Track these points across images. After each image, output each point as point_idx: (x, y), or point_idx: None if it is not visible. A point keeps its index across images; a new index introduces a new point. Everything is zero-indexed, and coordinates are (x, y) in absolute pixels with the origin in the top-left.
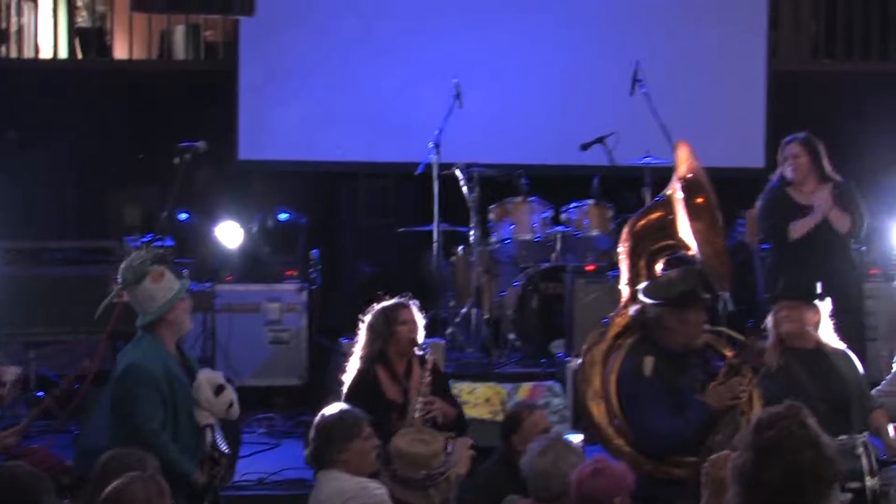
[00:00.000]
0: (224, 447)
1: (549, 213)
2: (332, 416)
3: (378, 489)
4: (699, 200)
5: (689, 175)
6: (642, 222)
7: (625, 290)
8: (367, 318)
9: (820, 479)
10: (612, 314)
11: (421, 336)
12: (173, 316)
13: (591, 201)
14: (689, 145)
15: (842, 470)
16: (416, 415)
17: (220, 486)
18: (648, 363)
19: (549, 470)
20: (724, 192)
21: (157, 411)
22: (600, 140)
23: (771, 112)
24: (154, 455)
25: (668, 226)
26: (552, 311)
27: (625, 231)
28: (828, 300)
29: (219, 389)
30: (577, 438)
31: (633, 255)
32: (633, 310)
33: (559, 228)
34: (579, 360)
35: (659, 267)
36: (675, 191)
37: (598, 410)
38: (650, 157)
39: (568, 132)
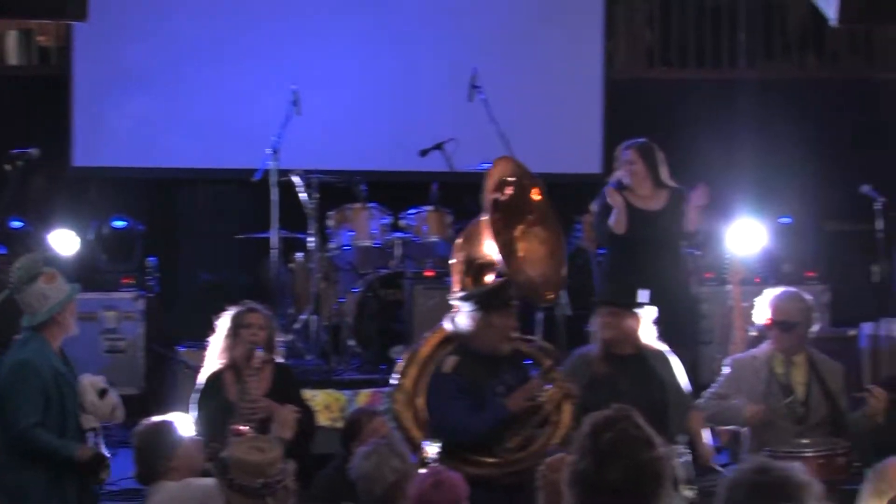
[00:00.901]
0: (106, 451)
1: (389, 220)
2: (146, 433)
3: (200, 481)
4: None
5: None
6: (472, 236)
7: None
8: (218, 322)
9: (658, 477)
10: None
11: (269, 341)
12: (63, 317)
13: (430, 207)
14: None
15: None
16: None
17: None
18: (450, 361)
19: (372, 474)
20: (561, 197)
21: (38, 408)
22: (439, 146)
23: (607, 119)
24: (34, 449)
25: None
26: (392, 317)
27: (456, 243)
28: (652, 306)
29: (102, 392)
30: (433, 449)
31: (465, 269)
32: (449, 317)
33: (398, 235)
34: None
35: (489, 278)
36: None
37: (405, 412)
38: (488, 163)
39: (407, 138)
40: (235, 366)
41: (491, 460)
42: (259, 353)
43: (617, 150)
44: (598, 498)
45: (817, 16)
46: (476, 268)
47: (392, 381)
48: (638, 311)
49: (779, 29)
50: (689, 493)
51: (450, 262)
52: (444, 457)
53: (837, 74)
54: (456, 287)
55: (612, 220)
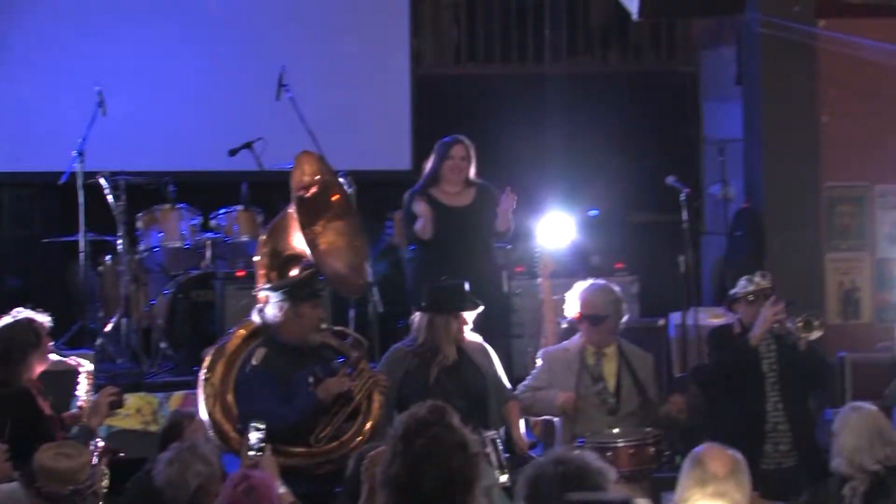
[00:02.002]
0: None
1: (198, 220)
2: None
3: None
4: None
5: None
6: (278, 230)
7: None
8: None
9: (469, 481)
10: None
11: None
12: None
13: (240, 207)
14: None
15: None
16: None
17: None
18: (259, 353)
19: (176, 480)
20: (372, 194)
21: None
22: (248, 145)
23: (416, 115)
24: None
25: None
26: (203, 319)
27: (261, 240)
28: (479, 305)
29: None
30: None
31: (270, 263)
32: (257, 308)
33: (208, 235)
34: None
35: (294, 272)
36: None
37: (216, 409)
38: None
39: (215, 138)
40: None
41: (304, 450)
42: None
43: (439, 144)
44: (410, 501)
45: (620, 11)
46: (282, 260)
47: (200, 378)
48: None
49: (582, 24)
50: (503, 478)
51: (254, 257)
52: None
53: (641, 68)
54: (261, 280)
55: (417, 227)
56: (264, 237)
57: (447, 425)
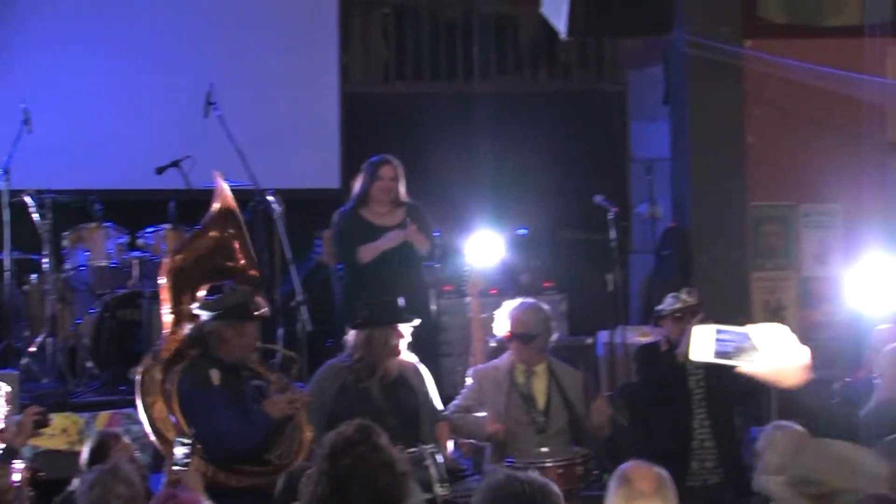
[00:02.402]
0: None
1: (125, 239)
2: None
3: None
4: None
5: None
6: (183, 254)
7: (168, 318)
8: None
9: (395, 500)
10: (162, 339)
11: None
12: None
13: (167, 226)
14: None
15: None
16: None
17: None
18: (215, 374)
19: (97, 503)
20: (301, 213)
21: None
22: (175, 164)
23: (345, 133)
24: None
25: (216, 252)
26: (130, 338)
27: (165, 264)
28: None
29: None
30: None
31: (177, 285)
32: (188, 328)
33: (135, 254)
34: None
35: (202, 293)
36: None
37: (167, 432)
38: (227, 180)
39: (142, 156)
40: None
41: (260, 469)
42: None
43: (368, 164)
44: None
45: (549, 30)
46: (197, 278)
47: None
48: (400, 326)
49: (511, 43)
50: (441, 490)
51: (164, 271)
52: (215, 469)
53: (569, 87)
54: (169, 303)
55: (364, 250)
56: (168, 262)
57: (374, 445)
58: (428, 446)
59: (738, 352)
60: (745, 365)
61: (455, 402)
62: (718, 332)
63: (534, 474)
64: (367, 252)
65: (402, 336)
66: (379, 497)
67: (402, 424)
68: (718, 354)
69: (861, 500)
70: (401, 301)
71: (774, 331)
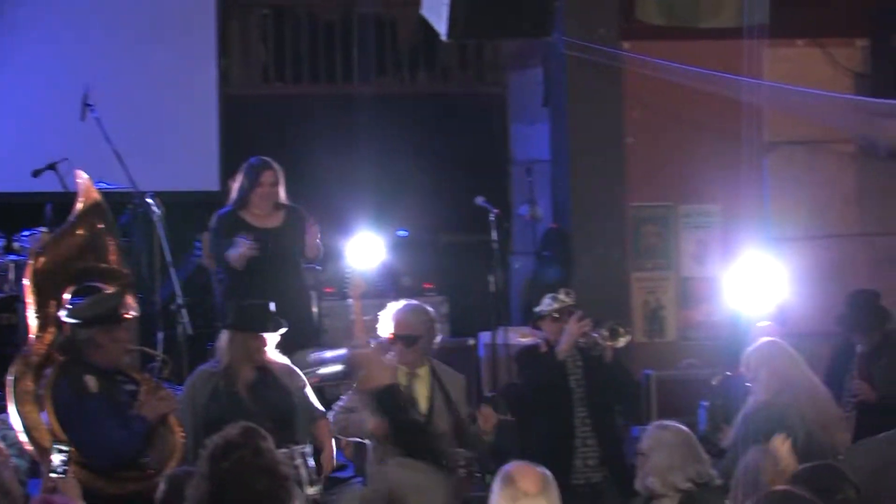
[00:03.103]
0: None
1: (2, 243)
2: None
3: None
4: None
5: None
6: (47, 256)
7: (34, 322)
8: None
9: (276, 502)
10: (29, 344)
11: None
12: None
13: (44, 229)
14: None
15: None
16: None
17: None
18: (91, 381)
19: None
20: (180, 215)
21: None
22: (52, 167)
23: (224, 136)
24: None
25: (86, 251)
26: (6, 342)
27: (28, 266)
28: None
29: None
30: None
31: (42, 287)
32: (55, 332)
33: (12, 257)
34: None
35: (67, 296)
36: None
37: (43, 438)
38: (103, 182)
39: (19, 159)
40: None
41: (137, 475)
42: None
43: (248, 167)
44: None
45: (429, 32)
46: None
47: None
48: (269, 333)
49: (391, 45)
50: (312, 490)
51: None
52: (93, 476)
53: (449, 89)
54: (34, 307)
55: (233, 257)
56: (32, 264)
57: (256, 448)
58: (299, 446)
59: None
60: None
61: (339, 403)
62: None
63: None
64: (234, 258)
65: (264, 343)
66: (258, 501)
67: (277, 426)
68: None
69: (766, 493)
70: (271, 306)
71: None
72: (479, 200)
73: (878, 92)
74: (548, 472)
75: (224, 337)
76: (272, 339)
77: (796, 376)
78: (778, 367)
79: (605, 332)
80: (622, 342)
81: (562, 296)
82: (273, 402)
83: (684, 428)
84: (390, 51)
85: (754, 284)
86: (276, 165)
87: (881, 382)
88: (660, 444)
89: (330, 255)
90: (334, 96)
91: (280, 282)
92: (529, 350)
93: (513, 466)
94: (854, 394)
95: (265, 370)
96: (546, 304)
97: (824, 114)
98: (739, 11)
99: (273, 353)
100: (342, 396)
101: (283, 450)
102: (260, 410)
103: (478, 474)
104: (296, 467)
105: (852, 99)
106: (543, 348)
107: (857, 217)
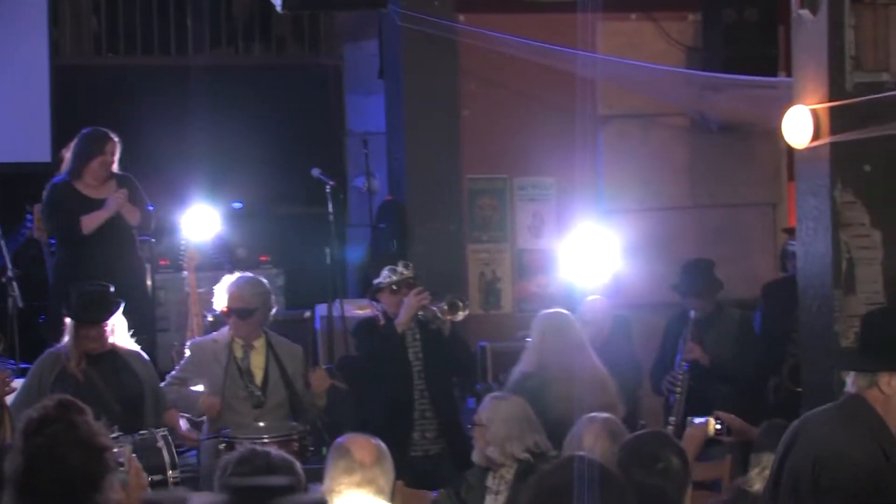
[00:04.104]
0: None
1: None
2: None
3: None
4: None
5: None
6: None
7: None
8: None
9: (93, 478)
10: None
11: None
12: None
13: None
14: None
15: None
16: None
17: None
18: None
19: None
20: (11, 187)
21: None
22: None
23: (55, 107)
24: None
25: None
26: None
27: None
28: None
29: None
30: None
31: None
32: None
33: None
34: None
35: None
36: None
37: None
38: None
39: None
40: None
41: None
42: None
43: (84, 137)
44: (30, 500)
45: (263, 2)
46: None
47: None
48: (109, 320)
49: (225, 16)
50: (174, 474)
51: None
52: None
53: (284, 61)
54: None
55: (86, 220)
56: None
57: (70, 422)
58: (159, 430)
59: None
60: None
61: (172, 373)
62: None
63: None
64: (89, 222)
65: (105, 328)
66: (72, 476)
67: (125, 410)
68: None
69: (559, 461)
70: (111, 288)
71: None
72: (315, 172)
73: (708, 66)
74: (382, 444)
75: (67, 322)
76: (120, 322)
77: (568, 352)
78: (549, 342)
79: (445, 306)
80: (461, 316)
81: (400, 268)
82: (123, 387)
83: (521, 399)
84: (225, 21)
85: (588, 256)
86: (115, 136)
87: (713, 354)
88: (498, 415)
89: (164, 228)
90: (168, 67)
91: (114, 254)
92: (367, 322)
93: (347, 438)
94: (686, 357)
95: (115, 355)
96: (384, 277)
97: (657, 87)
98: None
99: (124, 339)
100: (175, 367)
101: (143, 432)
102: (109, 394)
103: (311, 449)
104: (158, 449)
105: (684, 72)
106: (382, 321)
107: (689, 190)
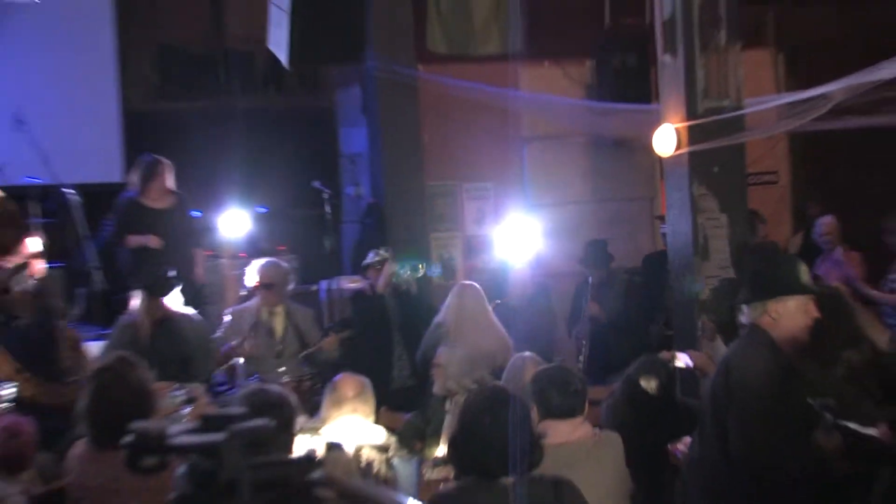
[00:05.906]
0: None
1: None
2: None
3: None
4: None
5: None
6: None
7: None
8: None
9: (141, 413)
10: None
11: None
12: None
13: None
14: None
15: None
16: None
17: None
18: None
19: None
20: (95, 201)
21: None
22: None
23: (125, 140)
24: None
25: None
26: None
27: None
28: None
29: None
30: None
31: None
32: None
33: None
34: None
35: None
36: None
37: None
38: (36, 178)
39: None
40: None
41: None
42: None
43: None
44: (93, 430)
45: (276, 60)
46: None
47: None
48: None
49: (252, 70)
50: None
51: None
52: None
53: (294, 103)
54: None
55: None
56: None
57: (121, 371)
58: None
59: None
60: None
61: (216, 334)
62: None
63: (272, 386)
64: (132, 241)
65: (161, 302)
66: (122, 408)
67: (181, 364)
68: None
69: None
70: (172, 272)
71: None
72: (316, 184)
73: (601, 98)
74: (366, 380)
75: (138, 296)
76: (174, 295)
77: (470, 312)
78: (452, 302)
79: (408, 270)
80: (420, 273)
81: (381, 251)
82: (176, 346)
83: (468, 346)
84: (251, 74)
85: (518, 239)
86: (165, 161)
87: (608, 309)
88: (452, 357)
89: (208, 228)
90: (210, 109)
91: (174, 249)
92: (359, 292)
93: (338, 377)
94: (588, 314)
95: (172, 321)
96: (370, 258)
97: (565, 115)
98: (503, 42)
99: (177, 306)
100: (218, 329)
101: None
102: (167, 352)
103: (318, 386)
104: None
105: (584, 103)
106: (369, 291)
107: (590, 189)
